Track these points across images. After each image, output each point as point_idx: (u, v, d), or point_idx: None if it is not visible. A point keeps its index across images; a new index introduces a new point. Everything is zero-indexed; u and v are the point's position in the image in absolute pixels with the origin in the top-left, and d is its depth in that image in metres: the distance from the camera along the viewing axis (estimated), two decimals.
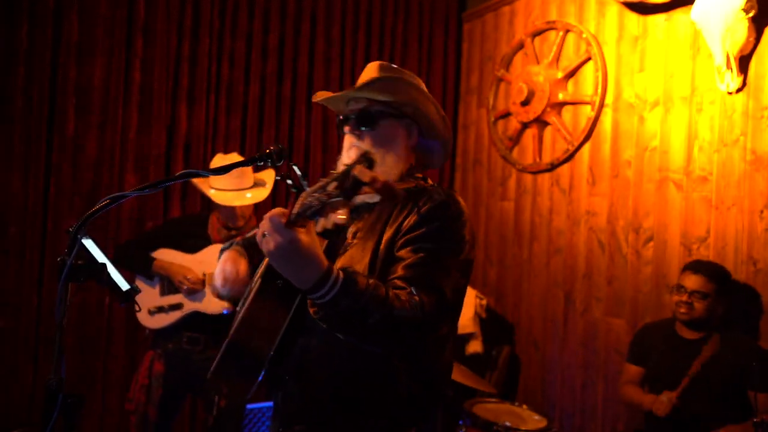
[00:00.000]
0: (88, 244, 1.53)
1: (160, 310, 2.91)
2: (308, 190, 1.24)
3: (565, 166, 3.76)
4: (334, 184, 1.13)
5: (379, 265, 1.50)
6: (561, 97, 3.75)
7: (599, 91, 3.52)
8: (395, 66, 1.67)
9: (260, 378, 1.50)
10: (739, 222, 2.85)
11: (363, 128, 1.60)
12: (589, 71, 3.63)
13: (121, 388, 3.65)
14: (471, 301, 3.98)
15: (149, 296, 2.95)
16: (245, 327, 1.52)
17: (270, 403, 3.61)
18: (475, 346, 3.92)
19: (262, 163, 1.67)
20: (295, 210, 1.22)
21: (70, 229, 1.45)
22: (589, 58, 3.61)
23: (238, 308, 1.77)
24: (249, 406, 3.60)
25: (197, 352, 2.92)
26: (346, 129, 1.64)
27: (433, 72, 4.61)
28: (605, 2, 3.56)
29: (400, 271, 1.45)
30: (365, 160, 1.22)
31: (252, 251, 1.82)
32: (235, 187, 2.96)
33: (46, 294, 3.54)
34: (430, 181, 1.67)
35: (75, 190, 3.63)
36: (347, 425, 1.53)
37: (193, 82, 3.90)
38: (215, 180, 2.97)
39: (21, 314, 3.51)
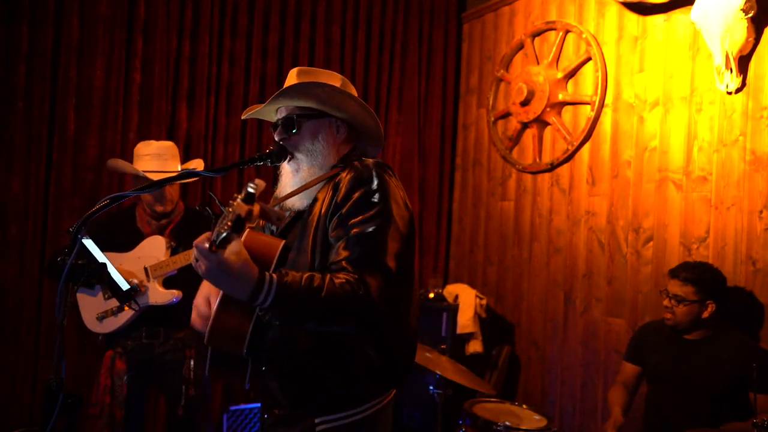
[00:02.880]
0: (88, 244, 1.54)
1: (107, 314, 2.85)
2: (221, 217, 1.43)
3: (565, 166, 3.77)
4: (229, 219, 1.36)
5: (318, 249, 1.62)
6: (561, 97, 3.75)
7: (599, 91, 3.52)
8: (314, 69, 1.79)
9: (248, 374, 1.65)
10: (739, 222, 2.86)
11: (288, 134, 1.72)
12: (588, 71, 3.64)
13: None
14: (471, 301, 3.98)
15: (94, 304, 2.88)
16: (216, 333, 1.63)
17: (259, 405, 3.62)
18: (475, 346, 3.92)
19: (261, 163, 1.70)
20: (212, 238, 1.41)
21: (71, 229, 1.45)
22: (589, 59, 3.61)
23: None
24: (238, 407, 3.61)
25: (158, 344, 2.90)
26: (276, 136, 1.75)
27: (433, 72, 4.61)
28: (605, 2, 3.56)
29: (340, 254, 1.56)
30: (246, 193, 1.36)
31: None
32: (162, 169, 2.89)
33: (47, 294, 3.54)
34: (365, 159, 1.75)
35: (75, 190, 3.63)
36: (319, 402, 1.66)
37: (193, 82, 3.91)
38: (142, 164, 2.91)
39: (21, 314, 3.51)
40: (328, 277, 1.51)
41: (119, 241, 2.91)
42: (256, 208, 1.38)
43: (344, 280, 1.51)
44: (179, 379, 2.87)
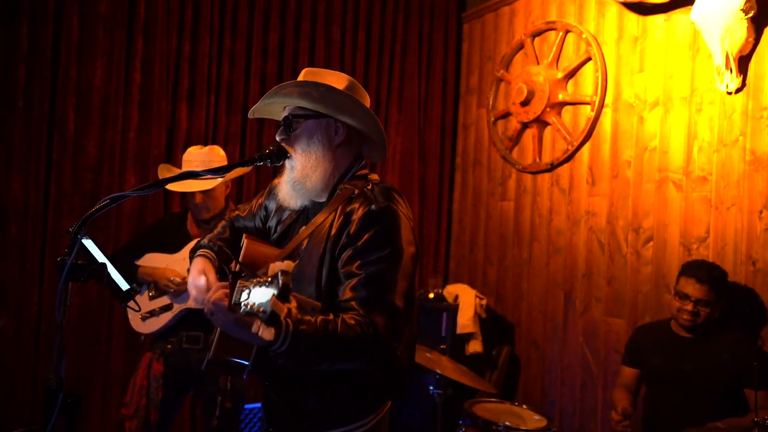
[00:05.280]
0: (88, 244, 1.53)
1: (152, 314, 2.88)
2: (245, 282, 1.43)
3: (565, 166, 3.77)
4: (259, 304, 1.35)
5: (326, 269, 1.64)
6: (561, 97, 3.75)
7: (599, 91, 3.52)
8: (323, 70, 1.78)
9: (247, 372, 1.63)
10: (739, 222, 2.86)
11: (287, 133, 1.73)
12: (588, 71, 3.64)
13: (121, 389, 3.65)
14: (471, 301, 3.98)
15: (140, 303, 2.93)
16: (222, 347, 1.64)
17: (260, 404, 3.60)
18: (475, 346, 3.92)
19: (261, 163, 1.70)
20: (233, 301, 1.44)
21: (71, 229, 1.45)
22: (589, 59, 3.61)
23: None
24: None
25: (197, 350, 2.88)
26: (277, 136, 1.75)
27: (433, 72, 4.62)
28: (605, 3, 3.57)
29: (348, 293, 1.57)
30: (281, 287, 1.33)
31: (222, 254, 1.90)
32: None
33: (47, 294, 3.54)
34: (374, 177, 1.77)
35: (75, 190, 3.63)
36: (326, 418, 1.68)
37: (193, 82, 3.90)
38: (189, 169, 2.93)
39: (21, 314, 3.51)
40: (340, 319, 1.52)
41: (170, 242, 2.95)
42: (293, 304, 1.39)
43: (354, 322, 1.52)
44: (215, 389, 2.85)
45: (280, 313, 1.32)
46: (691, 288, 2.65)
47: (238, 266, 1.51)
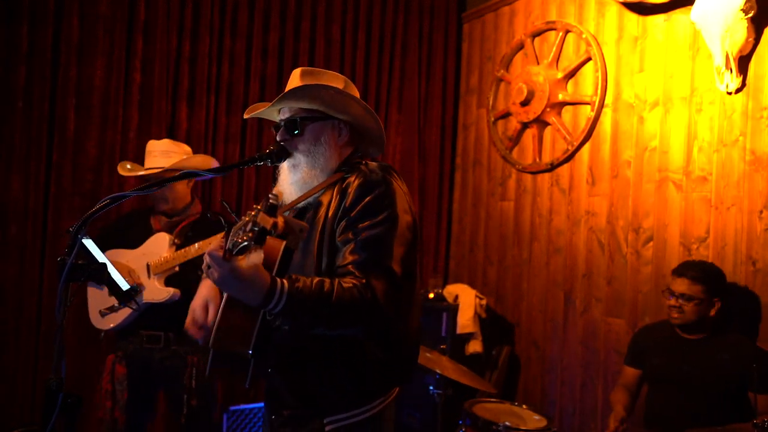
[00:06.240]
0: (88, 244, 1.54)
1: (111, 309, 2.84)
2: (238, 224, 1.44)
3: (565, 166, 3.77)
4: (249, 229, 1.36)
5: (326, 253, 1.64)
6: (561, 97, 3.75)
7: (599, 91, 3.52)
8: (318, 69, 1.79)
9: (249, 374, 1.61)
10: (739, 222, 2.86)
11: (291, 135, 1.73)
12: (588, 71, 3.64)
13: None
14: (471, 301, 3.98)
15: (99, 299, 2.89)
16: (222, 334, 1.63)
17: (261, 404, 3.61)
18: (475, 346, 3.92)
19: (261, 163, 1.71)
20: (227, 246, 1.42)
21: (71, 229, 1.46)
22: (589, 59, 3.61)
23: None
24: (238, 407, 3.60)
25: (158, 349, 2.86)
26: (278, 136, 1.75)
27: (433, 72, 4.62)
28: (605, 2, 3.57)
29: (345, 258, 1.58)
30: (268, 205, 1.36)
31: None
32: (152, 165, 2.91)
33: (47, 294, 3.54)
34: (369, 162, 1.78)
35: (75, 190, 3.63)
36: (328, 401, 1.67)
37: (193, 82, 3.91)
38: (150, 160, 2.94)
39: (21, 314, 3.51)
40: (336, 282, 1.52)
41: (132, 237, 2.93)
42: (280, 220, 1.39)
43: (351, 285, 1.52)
44: (180, 388, 2.84)
45: (266, 225, 1.33)
46: (675, 283, 2.70)
47: (233, 216, 1.51)
